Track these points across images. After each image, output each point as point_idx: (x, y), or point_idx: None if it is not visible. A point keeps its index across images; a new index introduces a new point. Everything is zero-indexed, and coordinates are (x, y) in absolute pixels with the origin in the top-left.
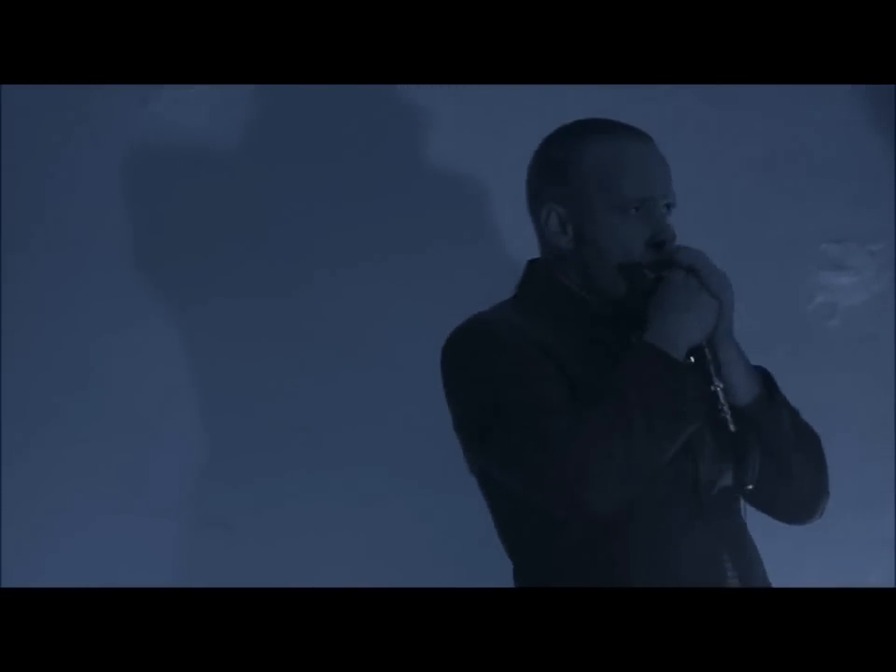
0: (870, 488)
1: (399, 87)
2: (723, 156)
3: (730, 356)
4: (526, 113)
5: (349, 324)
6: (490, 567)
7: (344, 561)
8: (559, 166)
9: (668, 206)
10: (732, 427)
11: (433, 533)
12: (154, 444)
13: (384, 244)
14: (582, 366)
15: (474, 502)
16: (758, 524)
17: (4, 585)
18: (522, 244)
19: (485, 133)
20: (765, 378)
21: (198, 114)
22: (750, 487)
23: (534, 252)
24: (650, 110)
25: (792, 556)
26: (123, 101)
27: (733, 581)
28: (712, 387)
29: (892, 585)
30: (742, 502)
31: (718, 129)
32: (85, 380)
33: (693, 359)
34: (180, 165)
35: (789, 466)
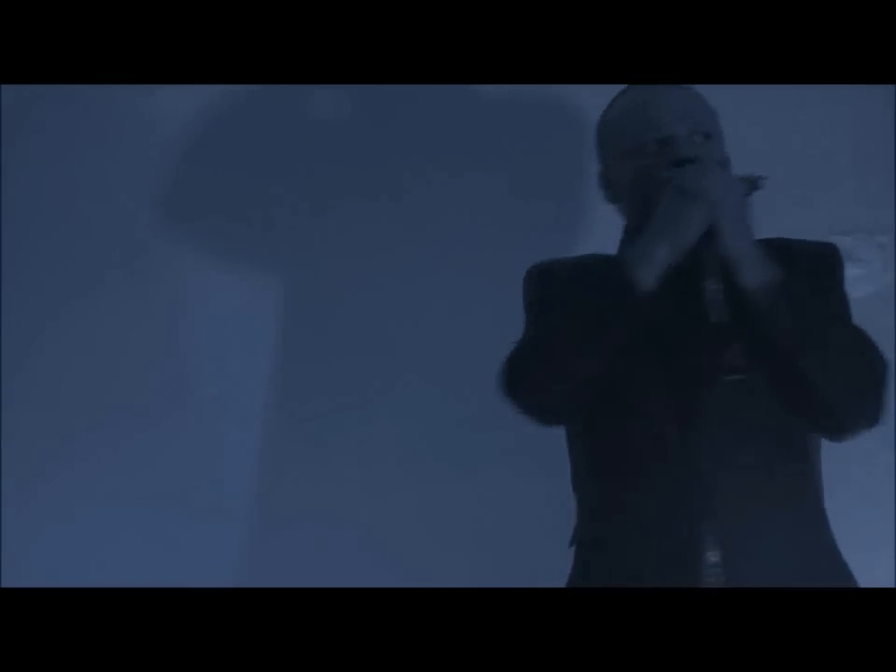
0: (873, 485)
1: (398, 87)
2: (732, 148)
3: (736, 252)
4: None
5: (354, 319)
6: (491, 566)
7: (346, 558)
8: (597, 130)
9: (707, 136)
10: (712, 318)
11: (435, 532)
12: (154, 442)
13: (387, 243)
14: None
15: (477, 501)
16: None
17: (4, 585)
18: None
19: (488, 134)
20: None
21: (197, 114)
22: (736, 377)
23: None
24: None
25: None
26: (123, 101)
27: (712, 557)
28: (709, 286)
29: (892, 585)
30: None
31: (726, 123)
32: (85, 374)
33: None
34: (180, 165)
35: (790, 368)
